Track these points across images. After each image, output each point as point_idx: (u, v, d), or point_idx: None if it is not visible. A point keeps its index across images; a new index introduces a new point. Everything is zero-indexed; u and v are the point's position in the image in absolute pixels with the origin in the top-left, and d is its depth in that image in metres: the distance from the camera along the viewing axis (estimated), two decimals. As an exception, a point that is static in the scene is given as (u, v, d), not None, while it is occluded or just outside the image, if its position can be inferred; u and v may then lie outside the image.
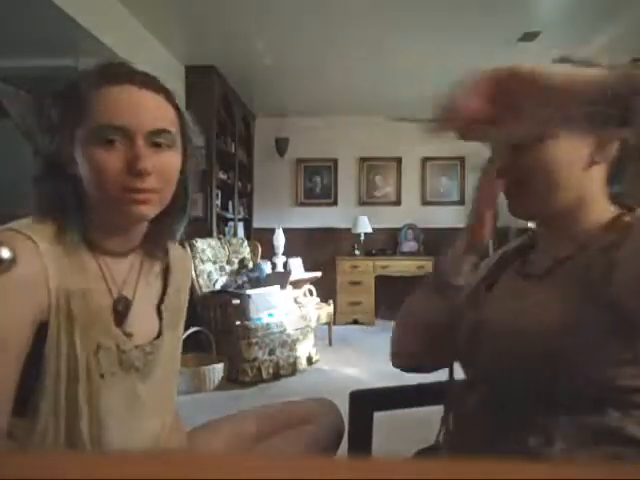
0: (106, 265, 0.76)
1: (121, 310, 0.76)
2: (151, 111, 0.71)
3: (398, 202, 5.41)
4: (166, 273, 0.87)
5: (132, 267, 0.80)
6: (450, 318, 0.78)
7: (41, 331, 0.67)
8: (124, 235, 0.77)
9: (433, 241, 5.07)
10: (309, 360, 3.29)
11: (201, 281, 3.37)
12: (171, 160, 0.73)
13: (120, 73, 0.71)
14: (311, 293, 4.03)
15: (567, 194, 0.69)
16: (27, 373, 0.65)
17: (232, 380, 2.92)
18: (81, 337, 0.69)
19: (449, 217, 5.20)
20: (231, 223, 4.76)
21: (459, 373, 0.80)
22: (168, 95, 0.74)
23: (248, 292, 3.13)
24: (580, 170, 0.68)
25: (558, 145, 0.66)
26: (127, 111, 0.69)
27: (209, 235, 3.90)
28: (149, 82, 0.72)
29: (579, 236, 0.70)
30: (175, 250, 0.90)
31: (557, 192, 0.69)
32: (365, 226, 5.07)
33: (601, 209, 0.71)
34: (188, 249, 3.36)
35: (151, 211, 0.72)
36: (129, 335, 0.76)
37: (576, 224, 0.71)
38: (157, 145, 0.71)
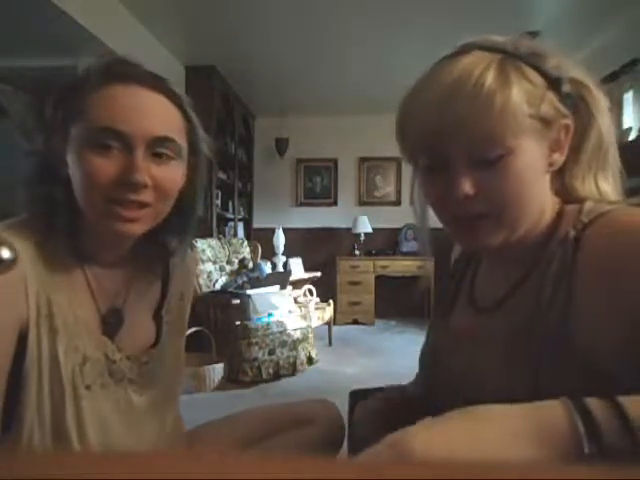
0: (93, 274, 0.71)
1: (112, 322, 0.72)
2: (156, 116, 0.64)
3: (398, 202, 5.41)
4: (166, 278, 0.82)
5: (123, 276, 0.75)
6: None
7: (20, 344, 0.62)
8: (113, 247, 0.72)
9: (433, 241, 5.05)
10: (309, 360, 3.28)
11: (201, 281, 3.37)
12: (173, 174, 0.66)
13: (126, 71, 0.64)
14: (311, 293, 4.03)
15: (535, 208, 0.58)
16: (7, 388, 0.61)
17: (232, 380, 2.91)
18: (66, 349, 0.65)
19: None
20: (231, 223, 4.77)
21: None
22: (177, 99, 0.67)
23: (248, 292, 3.13)
24: (543, 177, 0.58)
25: (524, 153, 0.54)
26: (129, 114, 0.62)
27: (209, 235, 3.91)
28: (157, 83, 0.65)
29: (530, 250, 0.60)
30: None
31: (528, 209, 0.57)
32: (365, 226, 5.07)
33: (547, 218, 0.60)
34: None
35: (140, 229, 0.66)
36: (119, 346, 0.73)
37: (528, 240, 0.60)
38: (159, 155, 0.64)
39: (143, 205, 0.64)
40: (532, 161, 0.55)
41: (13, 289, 0.60)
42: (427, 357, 0.75)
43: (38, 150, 0.66)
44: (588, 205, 0.57)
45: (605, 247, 0.51)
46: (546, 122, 0.55)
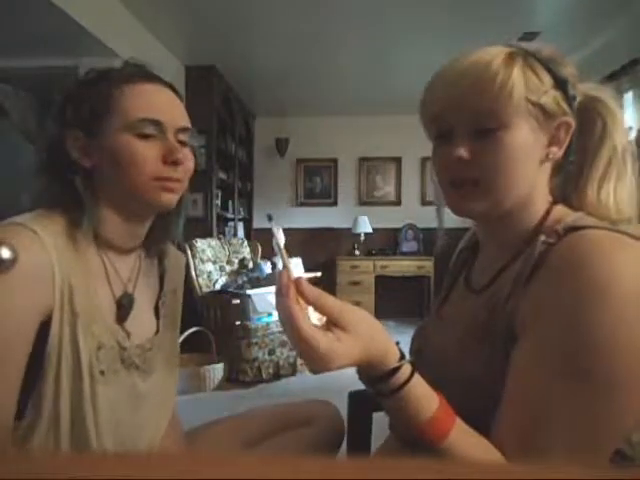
0: (109, 261, 0.77)
1: (124, 306, 0.77)
2: (179, 110, 0.77)
3: (398, 202, 5.41)
4: (162, 273, 0.89)
5: (134, 265, 0.82)
6: None
7: (41, 330, 0.65)
8: (133, 229, 0.79)
9: (433, 241, 5.07)
10: (309, 360, 3.28)
11: (201, 281, 3.37)
12: (189, 155, 0.79)
13: (147, 72, 0.76)
14: (311, 293, 4.02)
15: (522, 189, 0.63)
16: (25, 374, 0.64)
17: (232, 380, 2.92)
18: (84, 334, 0.69)
19: (449, 217, 5.16)
20: (231, 223, 4.76)
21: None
22: (181, 97, 0.81)
23: (248, 292, 3.13)
24: (536, 164, 0.63)
25: (519, 132, 0.60)
26: (162, 107, 0.74)
27: (209, 235, 3.90)
28: (170, 85, 0.79)
29: (517, 241, 0.65)
30: (171, 251, 0.92)
31: (514, 185, 0.62)
32: (365, 226, 5.07)
33: (537, 210, 0.65)
34: (188, 250, 3.36)
35: (175, 200, 0.77)
36: (129, 333, 0.77)
37: (516, 226, 0.66)
38: (180, 142, 0.76)
39: (178, 180, 0.76)
40: (524, 142, 0.60)
41: (37, 276, 0.64)
42: (414, 339, 0.80)
43: (55, 144, 0.73)
44: (568, 214, 0.62)
45: (560, 277, 0.54)
46: (545, 112, 0.60)
